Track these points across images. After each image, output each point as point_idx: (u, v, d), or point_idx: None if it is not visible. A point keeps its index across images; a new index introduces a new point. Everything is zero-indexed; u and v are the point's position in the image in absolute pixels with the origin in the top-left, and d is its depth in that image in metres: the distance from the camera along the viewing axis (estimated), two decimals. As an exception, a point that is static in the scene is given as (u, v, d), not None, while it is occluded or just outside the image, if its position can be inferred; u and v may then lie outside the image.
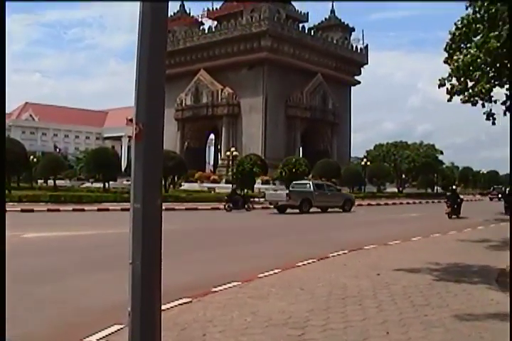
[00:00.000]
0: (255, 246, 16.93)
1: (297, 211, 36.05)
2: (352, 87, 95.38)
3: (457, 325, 6.93)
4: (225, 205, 36.85)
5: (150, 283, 3.33)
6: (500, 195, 68.20)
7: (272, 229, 24.10)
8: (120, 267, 4.50)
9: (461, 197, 34.60)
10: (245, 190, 48.80)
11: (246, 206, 36.98)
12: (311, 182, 40.79)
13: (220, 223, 27.11)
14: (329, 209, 38.70)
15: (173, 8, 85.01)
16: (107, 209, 33.74)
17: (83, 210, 32.62)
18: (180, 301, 8.07)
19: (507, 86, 16.14)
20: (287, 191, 37.78)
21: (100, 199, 39.37)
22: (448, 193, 34.47)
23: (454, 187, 37.32)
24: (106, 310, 7.80)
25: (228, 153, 61.71)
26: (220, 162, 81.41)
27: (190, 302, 8.15)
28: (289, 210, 36.14)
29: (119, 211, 31.50)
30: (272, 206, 37.67)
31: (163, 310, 7.30)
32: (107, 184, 47.89)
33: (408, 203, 55.61)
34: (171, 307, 7.70)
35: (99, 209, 33.75)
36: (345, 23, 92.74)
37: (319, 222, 29.35)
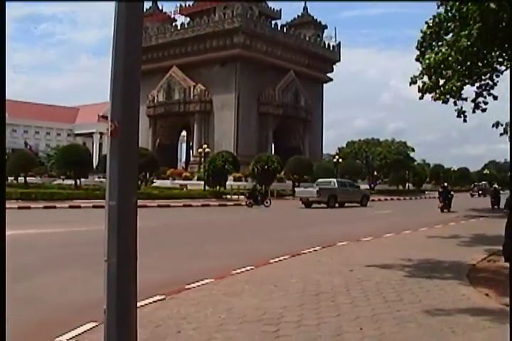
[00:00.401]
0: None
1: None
2: (324, 84, 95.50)
3: (429, 320, 7.00)
4: (246, 201, 38.93)
5: (125, 281, 3.32)
6: (480, 192, 69.87)
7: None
8: (94, 264, 4.49)
9: (452, 193, 37.16)
10: (217, 187, 48.84)
11: (265, 202, 38.86)
12: (335, 180, 44.64)
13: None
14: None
15: (145, 4, 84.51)
16: (79, 207, 33.52)
17: (54, 207, 32.37)
18: (155, 298, 8.06)
19: (477, 84, 16.35)
20: (317, 188, 40.86)
21: (72, 196, 39.06)
22: (440, 189, 36.92)
23: (445, 184, 39.66)
24: (81, 308, 7.77)
25: (200, 149, 61.51)
26: (192, 159, 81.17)
27: (164, 299, 8.15)
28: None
29: (90, 208, 31.34)
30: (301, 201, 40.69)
31: (138, 307, 7.31)
32: (78, 181, 47.52)
33: (380, 200, 55.91)
34: (145, 304, 7.69)
35: (70, 207, 33.51)
36: (318, 20, 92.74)
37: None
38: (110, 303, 3.31)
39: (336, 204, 40.68)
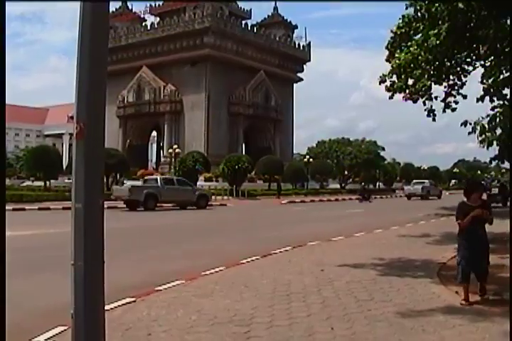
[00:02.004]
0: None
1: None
2: (295, 84, 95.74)
3: (400, 319, 7.04)
4: None
5: (93, 284, 3.29)
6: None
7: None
8: (63, 267, 4.42)
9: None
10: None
11: None
12: (427, 181, 63.23)
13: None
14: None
15: (115, 4, 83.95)
16: (48, 208, 33.21)
17: (24, 209, 31.98)
18: (124, 301, 8.00)
19: (445, 83, 16.48)
20: (421, 186, 58.58)
21: (41, 198, 38.71)
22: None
23: (363, 183, 42.78)
24: (49, 312, 7.69)
25: (171, 150, 61.40)
26: (162, 159, 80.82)
27: (134, 301, 8.09)
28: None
29: (60, 210, 31.02)
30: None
31: (107, 310, 7.23)
32: (48, 182, 47.08)
33: (351, 199, 56.15)
34: (115, 307, 7.64)
35: (40, 209, 33.18)
36: (288, 20, 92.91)
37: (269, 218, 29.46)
38: (78, 307, 3.27)
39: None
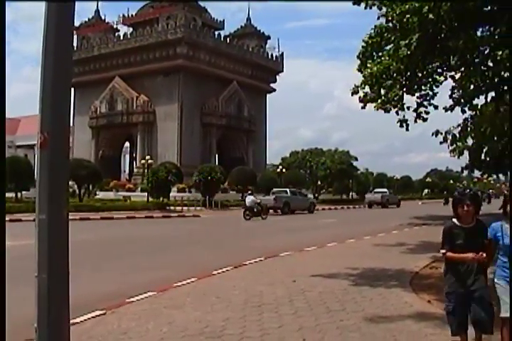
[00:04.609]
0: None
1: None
2: (268, 95, 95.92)
3: (372, 329, 7.05)
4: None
5: (57, 297, 3.23)
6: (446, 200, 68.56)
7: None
8: (29, 280, 4.35)
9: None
10: (161, 198, 48.42)
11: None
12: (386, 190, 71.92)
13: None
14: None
15: (87, 14, 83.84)
16: (20, 220, 32.81)
17: (-6, 221, 31.58)
18: (94, 314, 7.91)
19: (417, 94, 16.60)
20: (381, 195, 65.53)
21: (12, 209, 38.18)
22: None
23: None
24: (14, 326, 7.56)
25: (143, 161, 61.09)
26: (135, 170, 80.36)
27: (105, 314, 8.00)
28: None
29: (31, 222, 30.52)
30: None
31: (77, 323, 7.16)
32: (19, 194, 46.62)
33: (324, 209, 56.25)
34: (85, 319, 7.55)
35: (11, 220, 32.65)
36: (261, 31, 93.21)
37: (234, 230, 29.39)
38: (41, 321, 3.21)
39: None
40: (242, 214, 38.08)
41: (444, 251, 5.78)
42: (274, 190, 50.99)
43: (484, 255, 5.41)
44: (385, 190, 73.01)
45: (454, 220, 5.79)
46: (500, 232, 5.51)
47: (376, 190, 72.57)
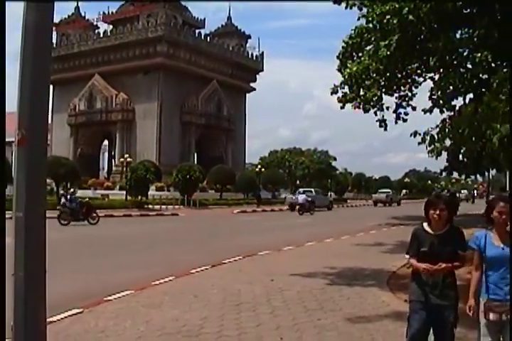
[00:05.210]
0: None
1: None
2: (248, 94, 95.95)
3: (349, 328, 7.07)
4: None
5: (34, 295, 3.21)
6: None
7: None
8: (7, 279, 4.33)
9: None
10: (139, 197, 48.22)
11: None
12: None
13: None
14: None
15: (67, 10, 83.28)
16: (-5, 218, 32.56)
17: (-30, 219, 31.32)
18: (71, 312, 7.86)
19: (396, 94, 16.69)
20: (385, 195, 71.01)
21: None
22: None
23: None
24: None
25: (122, 159, 60.90)
26: (114, 168, 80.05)
27: (82, 312, 7.96)
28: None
29: (9, 219, 30.41)
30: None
31: (54, 321, 7.12)
32: (-5, 191, 46.31)
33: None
34: (62, 318, 7.50)
35: (-14, 218, 32.49)
36: (242, 30, 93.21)
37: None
38: (18, 319, 3.18)
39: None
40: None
41: (407, 256, 5.15)
42: (301, 190, 55.18)
43: (451, 265, 4.86)
44: (389, 190, 78.49)
45: (424, 224, 5.07)
46: (484, 242, 4.75)
47: (381, 190, 77.98)
